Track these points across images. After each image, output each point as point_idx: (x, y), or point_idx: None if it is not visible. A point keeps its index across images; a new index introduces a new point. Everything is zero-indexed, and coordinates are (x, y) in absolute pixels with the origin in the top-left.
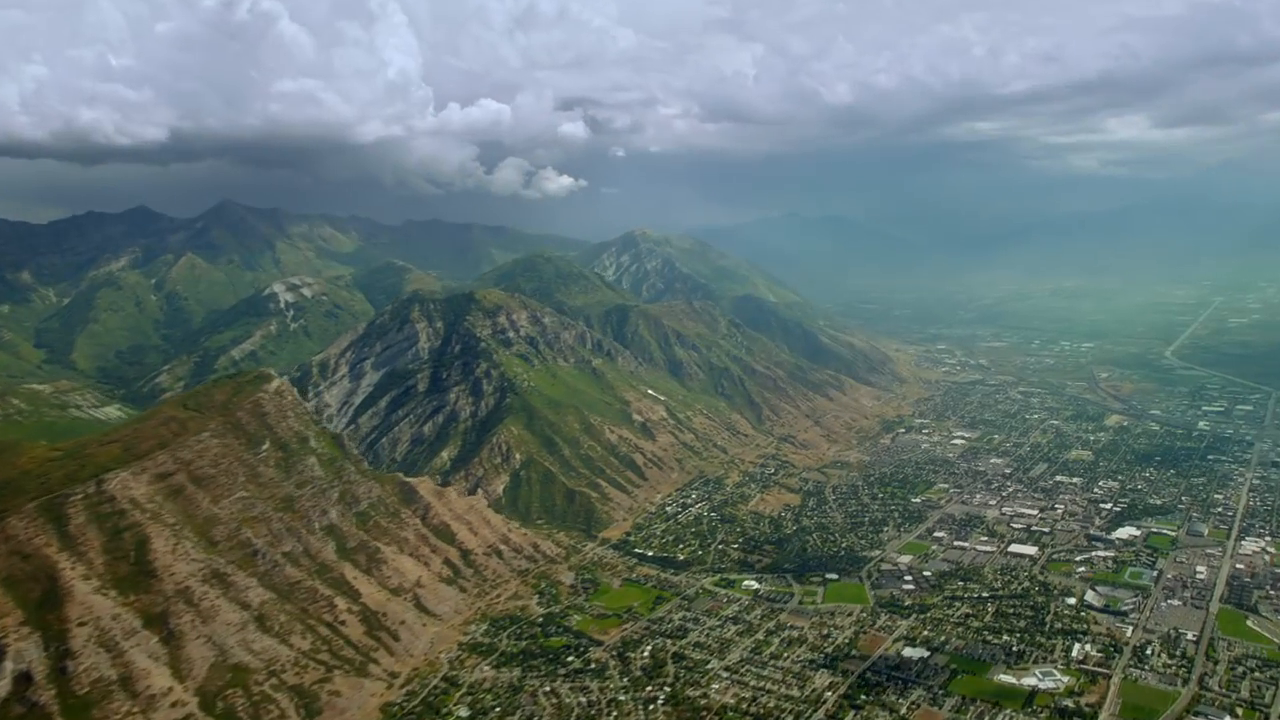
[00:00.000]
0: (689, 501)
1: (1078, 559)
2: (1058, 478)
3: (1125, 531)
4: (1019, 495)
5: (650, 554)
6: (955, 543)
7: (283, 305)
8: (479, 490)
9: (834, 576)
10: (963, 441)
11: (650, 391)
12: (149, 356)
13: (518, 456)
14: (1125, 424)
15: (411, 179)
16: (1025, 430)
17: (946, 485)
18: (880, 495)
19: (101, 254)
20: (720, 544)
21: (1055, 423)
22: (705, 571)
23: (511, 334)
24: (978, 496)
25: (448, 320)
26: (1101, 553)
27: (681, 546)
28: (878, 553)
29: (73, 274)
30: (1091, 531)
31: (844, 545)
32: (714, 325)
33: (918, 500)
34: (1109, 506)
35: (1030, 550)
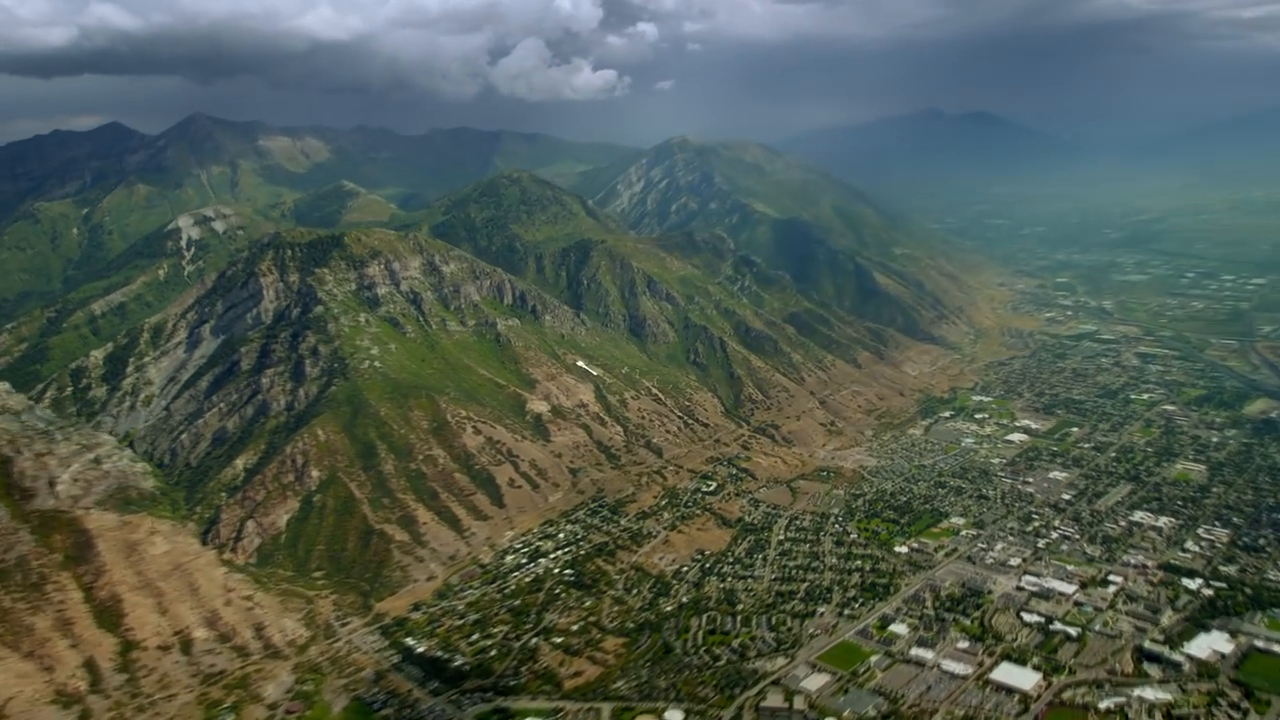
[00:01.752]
0: (548, 546)
1: (1103, 704)
2: (1137, 515)
3: (1206, 643)
4: (1063, 548)
5: (422, 649)
6: (914, 649)
7: (184, 243)
8: (252, 521)
9: (676, 717)
10: (1024, 437)
11: (581, 364)
12: (30, 306)
13: (315, 474)
14: (1274, 416)
15: (415, 78)
16: (1123, 420)
17: (962, 520)
18: (853, 536)
19: (49, 179)
20: (540, 634)
21: (1170, 408)
22: (482, 692)
23: (385, 289)
24: (998, 547)
25: (305, 272)
26: (1151, 691)
27: (478, 636)
28: (780, 663)
29: (16, 202)
30: (1148, 642)
31: (736, 643)
32: (714, 264)
33: (904, 550)
34: (1196, 585)
35: (1027, 682)
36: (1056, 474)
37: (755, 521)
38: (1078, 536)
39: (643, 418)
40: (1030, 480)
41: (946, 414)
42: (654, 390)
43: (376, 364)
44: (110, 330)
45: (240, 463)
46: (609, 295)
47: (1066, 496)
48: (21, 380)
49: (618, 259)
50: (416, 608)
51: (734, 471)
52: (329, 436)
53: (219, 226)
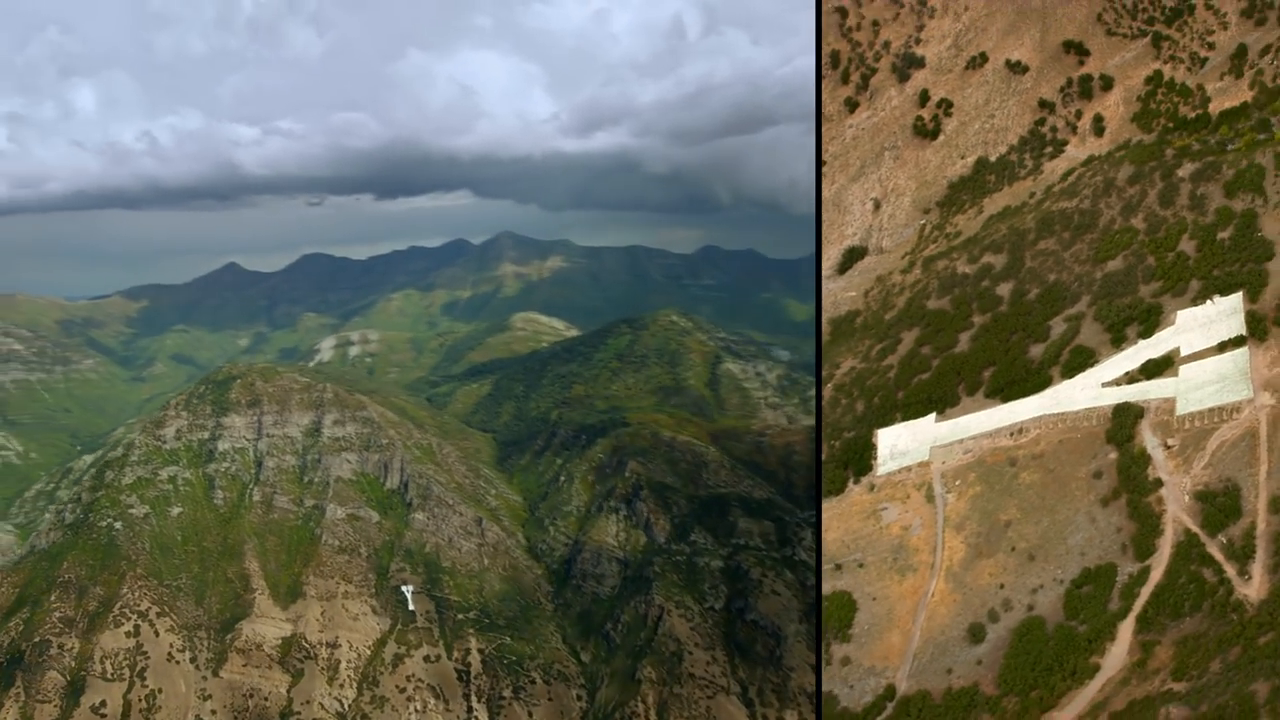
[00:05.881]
0: None
1: None
2: None
3: None
4: None
5: None
6: None
7: (313, 365)
8: None
9: None
10: None
11: (408, 590)
12: None
13: None
14: None
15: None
16: None
17: None
18: None
19: (362, 290)
20: None
21: None
22: None
23: (231, 444)
24: None
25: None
26: None
27: None
28: None
29: (325, 309)
30: None
31: None
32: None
33: None
34: None
35: None
36: None
37: None
38: None
39: (402, 690)
40: None
41: None
42: (480, 657)
43: (117, 525)
44: None
45: None
46: (570, 503)
47: None
48: None
49: (622, 450)
50: None
51: None
52: None
53: (354, 351)
